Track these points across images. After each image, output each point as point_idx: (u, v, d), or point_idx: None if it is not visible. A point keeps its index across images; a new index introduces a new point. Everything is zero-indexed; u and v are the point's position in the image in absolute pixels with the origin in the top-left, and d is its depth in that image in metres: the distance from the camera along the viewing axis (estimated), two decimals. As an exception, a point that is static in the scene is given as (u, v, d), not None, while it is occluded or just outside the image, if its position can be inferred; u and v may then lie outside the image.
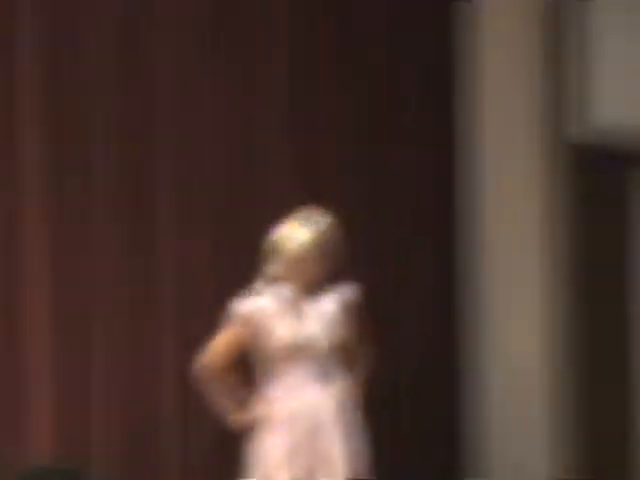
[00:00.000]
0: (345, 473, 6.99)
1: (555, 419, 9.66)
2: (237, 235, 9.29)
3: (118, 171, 9.16)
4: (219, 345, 7.11)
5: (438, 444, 9.78)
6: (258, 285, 7.16)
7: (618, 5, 10.06)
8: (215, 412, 7.20)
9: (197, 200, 9.35)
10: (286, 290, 7.10)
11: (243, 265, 7.90)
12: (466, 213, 10.00)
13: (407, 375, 9.63)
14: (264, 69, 9.63)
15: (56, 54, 9.14)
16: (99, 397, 8.92)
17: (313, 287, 7.11)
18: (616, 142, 9.98)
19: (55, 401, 8.89)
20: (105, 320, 9.03)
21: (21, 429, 8.74)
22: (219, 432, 7.68)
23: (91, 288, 9.05)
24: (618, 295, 9.95)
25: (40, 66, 8.97)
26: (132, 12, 9.34)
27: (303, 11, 9.83)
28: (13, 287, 8.84)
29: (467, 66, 10.22)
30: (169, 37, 9.36)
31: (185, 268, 9.27)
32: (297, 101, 9.77)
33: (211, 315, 7.52)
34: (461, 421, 9.85)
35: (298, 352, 7.06)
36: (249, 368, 7.24)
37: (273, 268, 7.07)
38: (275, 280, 7.11)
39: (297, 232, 7.05)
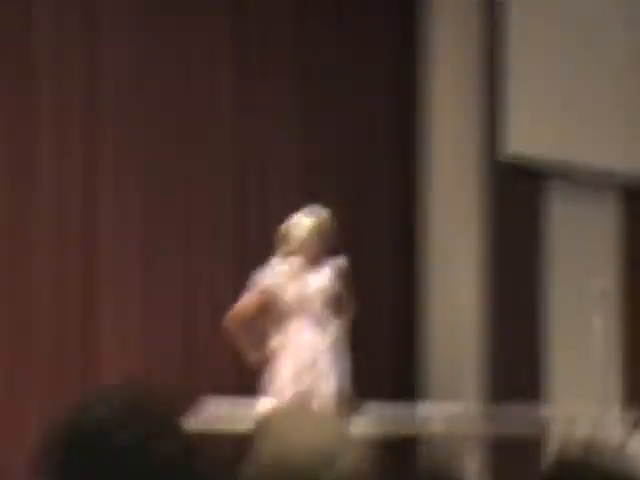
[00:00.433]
0: (335, 386, 8.19)
1: (481, 349, 10.54)
2: (255, 223, 9.98)
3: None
4: (243, 304, 8.31)
5: (397, 370, 10.55)
6: (274, 260, 8.30)
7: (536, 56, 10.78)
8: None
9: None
10: (294, 262, 8.25)
11: (261, 246, 9.02)
12: (422, 201, 10.78)
13: (376, 318, 10.10)
14: (274, 85, 10.22)
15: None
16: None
17: (314, 260, 8.28)
18: (530, 162, 10.78)
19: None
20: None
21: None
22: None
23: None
24: (529, 263, 10.86)
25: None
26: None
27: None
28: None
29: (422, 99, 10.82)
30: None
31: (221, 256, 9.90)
32: (305, 122, 10.43)
33: (238, 285, 8.53)
34: (414, 352, 10.59)
35: (302, 305, 8.21)
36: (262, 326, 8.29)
37: (285, 247, 8.26)
38: (287, 255, 8.25)
39: (303, 221, 8.24)
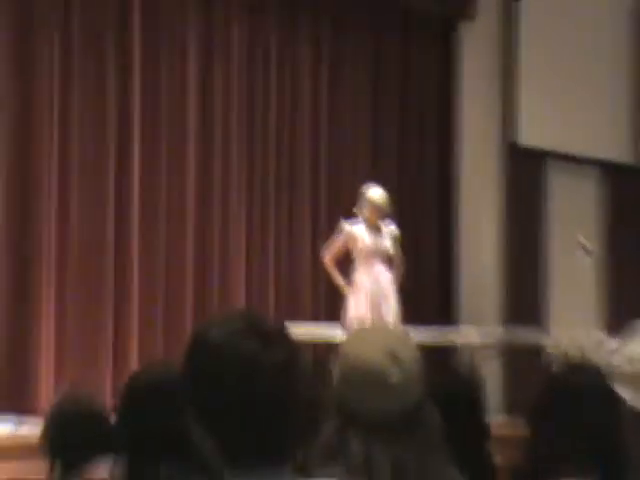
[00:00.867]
0: (395, 312, 8.14)
1: (499, 288, 10.41)
2: (342, 199, 9.45)
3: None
4: (333, 246, 8.27)
5: (437, 302, 10.33)
6: (354, 218, 8.21)
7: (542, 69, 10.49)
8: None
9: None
10: (368, 221, 8.17)
11: (346, 209, 8.72)
12: (455, 178, 10.53)
13: (422, 265, 9.93)
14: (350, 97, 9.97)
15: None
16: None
17: (381, 221, 8.18)
18: (535, 147, 10.53)
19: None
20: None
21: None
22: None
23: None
24: (534, 223, 10.66)
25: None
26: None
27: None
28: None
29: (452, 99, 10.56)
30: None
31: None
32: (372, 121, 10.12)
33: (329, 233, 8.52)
34: (450, 290, 10.40)
35: (374, 253, 8.14)
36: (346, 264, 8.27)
37: (362, 210, 8.19)
38: (364, 216, 8.17)
39: (374, 194, 8.20)
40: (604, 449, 2.53)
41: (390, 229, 8.29)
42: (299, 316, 8.91)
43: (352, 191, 9.37)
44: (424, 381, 2.31)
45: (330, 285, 8.77)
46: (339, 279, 8.32)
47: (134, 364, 8.39)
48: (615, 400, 2.57)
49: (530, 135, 10.49)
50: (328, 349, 7.34)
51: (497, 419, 8.51)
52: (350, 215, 8.37)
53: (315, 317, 9.27)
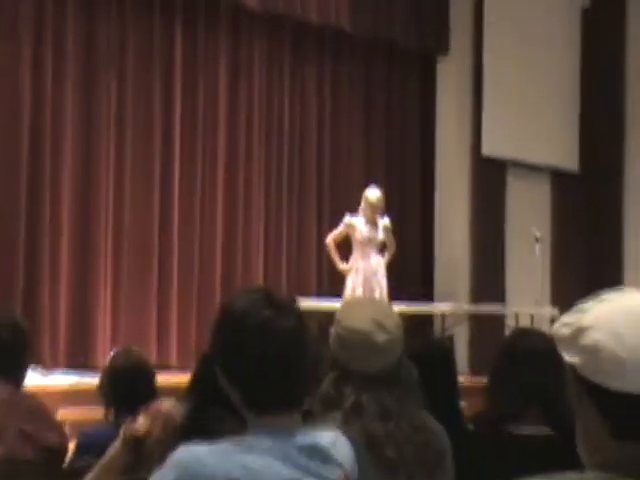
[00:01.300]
0: (384, 288, 8.10)
1: (468, 269, 10.19)
2: (341, 195, 9.60)
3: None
4: (336, 233, 8.20)
5: (417, 280, 10.22)
6: (356, 214, 8.13)
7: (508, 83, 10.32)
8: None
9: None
10: (367, 216, 8.08)
11: (344, 204, 8.93)
12: (434, 182, 10.45)
13: (407, 251, 9.60)
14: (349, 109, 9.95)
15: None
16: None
17: (376, 215, 8.09)
18: (497, 157, 10.35)
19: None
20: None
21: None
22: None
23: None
24: (496, 217, 10.39)
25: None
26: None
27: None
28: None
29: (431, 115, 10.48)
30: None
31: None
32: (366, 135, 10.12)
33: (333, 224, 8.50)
34: (427, 271, 10.26)
35: (368, 242, 8.05)
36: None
37: (362, 206, 8.11)
38: (364, 212, 8.09)
39: (371, 194, 8.12)
40: (550, 401, 2.52)
41: (383, 222, 8.21)
42: (306, 292, 8.85)
43: (349, 190, 9.62)
44: (405, 343, 2.33)
45: (332, 266, 8.72)
46: (336, 257, 8.25)
47: (174, 329, 8.42)
48: (557, 359, 2.57)
49: (493, 147, 10.39)
50: (328, 317, 7.30)
51: (464, 374, 8.66)
52: (351, 209, 8.31)
53: (319, 293, 9.22)
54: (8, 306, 6.59)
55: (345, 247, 8.37)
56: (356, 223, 8.12)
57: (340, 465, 1.79)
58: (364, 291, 7.98)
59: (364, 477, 1.94)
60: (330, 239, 8.28)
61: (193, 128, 8.78)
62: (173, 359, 8.32)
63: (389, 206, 8.57)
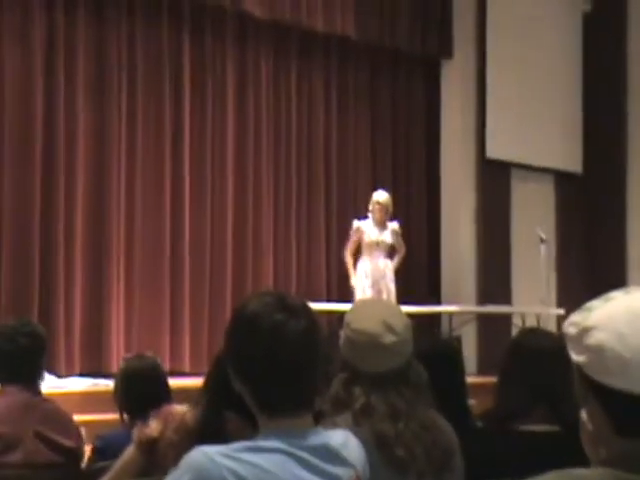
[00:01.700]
0: (392, 290, 8.14)
1: (474, 271, 10.17)
2: (349, 200, 9.65)
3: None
4: (350, 244, 8.23)
5: (425, 282, 10.14)
6: (364, 218, 8.20)
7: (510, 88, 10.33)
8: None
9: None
10: (375, 219, 8.14)
11: (355, 211, 8.98)
12: (440, 184, 10.39)
13: (415, 253, 9.61)
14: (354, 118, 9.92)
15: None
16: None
17: (384, 219, 8.17)
18: (501, 159, 10.32)
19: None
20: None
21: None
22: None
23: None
24: (501, 219, 10.38)
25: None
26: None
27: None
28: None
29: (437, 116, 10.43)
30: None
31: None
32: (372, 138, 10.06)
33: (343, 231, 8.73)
34: (434, 273, 10.20)
35: (376, 244, 8.11)
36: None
37: (370, 209, 8.15)
38: (372, 215, 8.13)
39: (378, 196, 8.23)
40: (558, 399, 2.52)
41: (392, 225, 8.21)
42: (315, 296, 8.83)
43: (356, 194, 9.64)
44: (414, 344, 2.34)
45: (341, 271, 8.72)
46: (352, 273, 8.21)
47: (186, 335, 8.41)
48: (565, 358, 2.56)
49: (497, 149, 10.38)
50: (338, 319, 7.22)
51: (472, 373, 8.65)
52: (358, 213, 8.33)
53: (328, 297, 9.24)
54: (25, 314, 6.61)
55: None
56: (363, 226, 8.12)
57: (351, 465, 1.79)
58: (372, 292, 7.97)
59: (375, 477, 1.93)
60: (348, 253, 8.25)
61: (202, 135, 8.77)
62: (186, 364, 8.30)
63: (395, 209, 8.57)
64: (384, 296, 7.89)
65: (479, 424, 2.85)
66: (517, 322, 9.58)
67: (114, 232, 8.11)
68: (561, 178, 11.12)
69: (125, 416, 3.38)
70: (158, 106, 8.50)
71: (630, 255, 10.99)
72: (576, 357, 1.34)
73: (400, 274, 8.59)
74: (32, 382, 3.27)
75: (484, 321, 9.91)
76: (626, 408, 1.29)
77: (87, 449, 3.38)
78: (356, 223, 8.16)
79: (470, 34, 10.34)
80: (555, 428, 2.53)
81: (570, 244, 10.95)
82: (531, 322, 9.04)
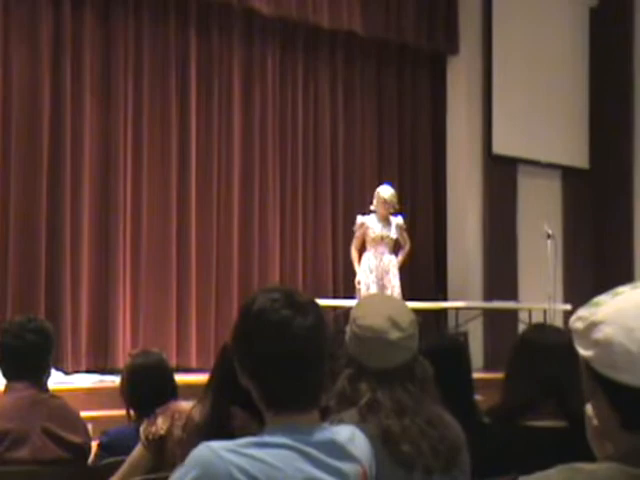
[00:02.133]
0: (397, 285, 8.05)
1: (481, 267, 10.20)
2: (355, 195, 9.68)
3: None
4: (355, 241, 8.13)
5: (430, 278, 10.16)
6: (368, 213, 8.10)
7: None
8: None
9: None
10: (379, 214, 8.06)
11: (361, 207, 8.87)
12: (446, 180, 10.44)
13: (421, 250, 9.64)
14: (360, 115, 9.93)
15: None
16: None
17: (388, 214, 8.08)
18: (508, 155, 10.32)
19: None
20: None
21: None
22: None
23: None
24: (508, 214, 10.38)
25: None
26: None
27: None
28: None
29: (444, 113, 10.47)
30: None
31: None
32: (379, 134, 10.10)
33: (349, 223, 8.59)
34: (440, 269, 10.30)
35: (380, 240, 8.02)
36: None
37: (374, 204, 8.07)
38: (376, 210, 8.05)
39: (383, 191, 8.13)
40: (565, 395, 2.52)
41: (396, 220, 8.18)
42: (322, 293, 8.84)
43: (363, 190, 9.60)
44: (420, 340, 2.34)
45: (347, 267, 8.69)
46: (358, 269, 8.13)
47: (193, 331, 8.42)
48: (572, 353, 2.56)
49: (504, 145, 10.38)
50: (345, 315, 7.34)
51: (479, 369, 8.69)
52: (365, 209, 8.28)
53: (335, 294, 9.24)
54: (32, 310, 6.65)
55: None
56: (368, 222, 8.07)
57: (358, 461, 1.79)
58: (376, 289, 7.93)
59: (381, 473, 1.93)
60: (354, 249, 8.18)
61: (209, 130, 8.79)
62: (192, 360, 8.32)
63: (402, 205, 8.56)
64: (388, 292, 7.85)
65: (486, 420, 2.85)
66: (524, 318, 9.62)
67: (120, 229, 8.14)
68: (568, 173, 11.12)
69: (131, 412, 3.38)
70: (165, 102, 8.53)
71: (637, 250, 10.99)
72: (583, 352, 1.35)
73: (406, 270, 8.59)
74: (39, 378, 3.28)
75: (490, 317, 9.92)
76: (633, 403, 1.29)
77: (93, 445, 3.39)
78: (360, 219, 8.11)
79: (476, 30, 10.36)
80: (562, 423, 2.54)
81: (577, 240, 10.95)
82: (538, 318, 9.09)
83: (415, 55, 10.31)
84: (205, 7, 8.78)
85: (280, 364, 1.73)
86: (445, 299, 9.83)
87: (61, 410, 3.25)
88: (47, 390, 3.33)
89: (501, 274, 10.27)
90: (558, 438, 2.48)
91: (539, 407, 2.56)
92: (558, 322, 8.72)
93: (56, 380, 5.79)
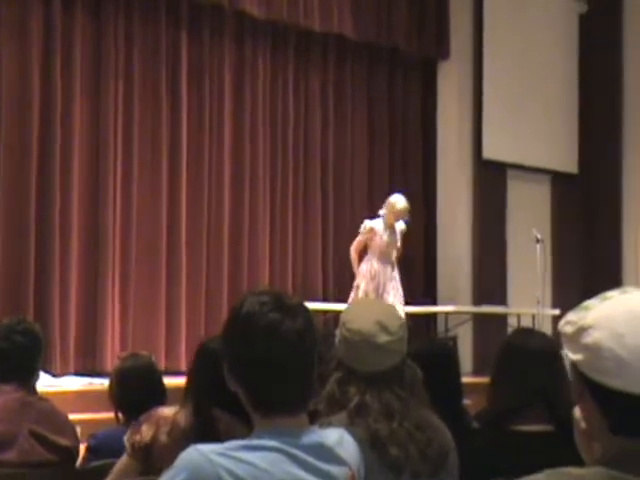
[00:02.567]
0: (401, 295, 8.14)
1: (470, 271, 10.19)
2: (346, 199, 9.68)
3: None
4: (358, 243, 8.11)
5: (421, 283, 10.20)
6: (377, 218, 8.08)
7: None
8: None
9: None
10: (387, 221, 8.04)
11: (351, 211, 9.21)
12: (436, 185, 10.42)
13: (411, 254, 9.49)
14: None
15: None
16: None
17: (394, 221, 8.08)
18: (497, 160, 10.33)
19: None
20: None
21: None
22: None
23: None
24: (497, 219, 10.40)
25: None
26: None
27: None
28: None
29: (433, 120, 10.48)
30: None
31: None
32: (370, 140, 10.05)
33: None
34: (430, 273, 10.20)
35: (386, 247, 7.99)
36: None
37: (384, 211, 8.04)
38: (385, 216, 8.03)
39: (399, 202, 8.03)
40: (551, 399, 2.53)
41: (400, 226, 8.17)
42: (311, 296, 8.84)
43: (353, 194, 9.62)
44: (409, 344, 2.34)
45: (337, 271, 8.73)
46: (356, 267, 8.13)
47: (182, 334, 8.40)
48: (557, 358, 2.57)
49: (494, 150, 10.41)
50: (334, 318, 7.23)
51: (468, 373, 8.74)
52: (355, 213, 8.31)
53: (325, 297, 9.23)
54: (21, 312, 6.59)
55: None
56: (376, 227, 8.03)
57: (346, 464, 1.79)
58: (377, 293, 7.89)
59: (370, 476, 1.93)
60: (353, 249, 8.14)
61: (199, 132, 8.76)
62: (182, 363, 8.16)
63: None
64: (390, 299, 7.82)
65: (474, 424, 2.86)
66: (513, 322, 9.63)
67: (110, 230, 8.09)
68: (557, 178, 11.15)
69: (120, 415, 3.38)
70: (155, 102, 8.50)
71: (625, 255, 11.02)
72: (572, 356, 1.35)
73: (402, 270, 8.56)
74: (28, 381, 3.27)
75: (480, 321, 9.92)
76: (621, 407, 1.30)
77: (82, 448, 3.38)
78: (368, 223, 8.06)
79: (467, 35, 10.38)
80: (549, 427, 2.55)
81: (566, 244, 10.96)
82: (527, 322, 9.10)
83: (406, 59, 10.32)
84: (196, 8, 8.76)
85: (268, 367, 1.73)
86: (435, 303, 9.86)
87: (49, 413, 3.25)
88: (35, 393, 3.32)
89: (490, 279, 10.29)
90: (546, 442, 2.48)
91: (526, 412, 2.56)
92: (547, 327, 8.75)
93: (44, 383, 5.77)
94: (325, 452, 1.75)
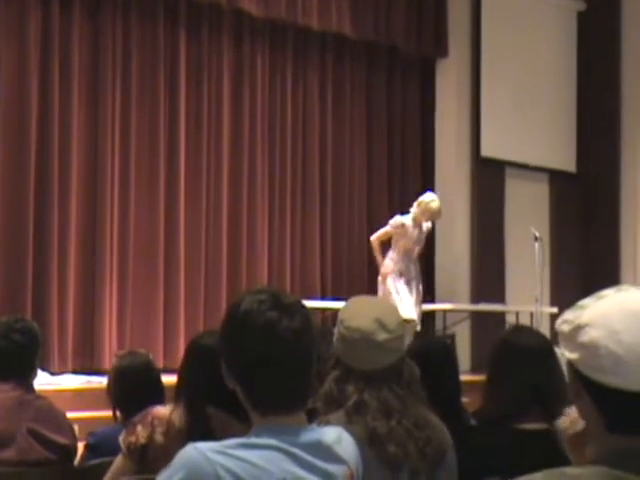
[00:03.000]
0: (420, 292, 7.97)
1: (468, 270, 10.09)
2: (344, 198, 9.54)
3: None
4: (382, 233, 7.95)
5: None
6: (406, 214, 7.95)
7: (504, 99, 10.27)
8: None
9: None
10: (416, 219, 7.91)
11: (349, 210, 9.19)
12: (434, 183, 10.22)
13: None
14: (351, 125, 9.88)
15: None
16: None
17: (425, 220, 7.97)
18: (496, 158, 10.25)
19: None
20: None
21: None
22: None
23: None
24: (496, 218, 10.31)
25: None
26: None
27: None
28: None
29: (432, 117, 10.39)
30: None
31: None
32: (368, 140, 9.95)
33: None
34: (429, 271, 9.81)
35: (413, 245, 7.88)
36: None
37: (415, 210, 7.89)
38: (415, 214, 7.89)
39: (433, 203, 7.92)
40: (547, 397, 2.54)
41: (428, 225, 8.09)
42: (310, 294, 8.80)
43: (352, 192, 9.55)
44: (408, 342, 2.34)
45: (335, 269, 8.65)
46: (380, 257, 7.99)
47: (181, 332, 8.38)
48: (551, 356, 2.57)
49: (492, 148, 10.33)
50: (332, 316, 7.27)
51: (466, 371, 8.63)
52: (353, 211, 8.25)
53: (323, 295, 9.19)
54: (19, 311, 6.58)
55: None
56: (407, 224, 7.92)
57: (345, 462, 1.79)
58: (399, 292, 7.80)
59: (368, 474, 1.93)
60: (376, 238, 8.00)
61: (198, 131, 8.74)
62: (180, 361, 8.30)
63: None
64: (413, 297, 7.81)
65: (472, 422, 2.86)
66: (511, 320, 9.58)
67: (107, 230, 8.08)
68: (555, 177, 11.12)
69: (118, 413, 3.37)
70: (153, 103, 8.48)
71: (623, 254, 10.96)
72: (569, 354, 1.35)
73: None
74: (26, 379, 3.27)
75: (478, 319, 9.89)
76: (618, 405, 1.31)
77: (80, 446, 3.38)
78: (400, 219, 7.94)
79: (465, 33, 10.34)
80: (546, 426, 2.55)
81: (564, 242, 10.94)
82: (524, 320, 9.02)
83: (404, 58, 10.27)
84: (194, 7, 8.75)
85: (266, 366, 1.73)
86: (433, 301, 9.81)
87: (47, 411, 3.24)
88: (33, 391, 3.32)
89: (489, 276, 10.24)
90: (543, 441, 2.48)
91: (523, 409, 2.56)
92: (545, 325, 8.70)
93: (42, 381, 5.77)
94: (323, 450, 1.75)
